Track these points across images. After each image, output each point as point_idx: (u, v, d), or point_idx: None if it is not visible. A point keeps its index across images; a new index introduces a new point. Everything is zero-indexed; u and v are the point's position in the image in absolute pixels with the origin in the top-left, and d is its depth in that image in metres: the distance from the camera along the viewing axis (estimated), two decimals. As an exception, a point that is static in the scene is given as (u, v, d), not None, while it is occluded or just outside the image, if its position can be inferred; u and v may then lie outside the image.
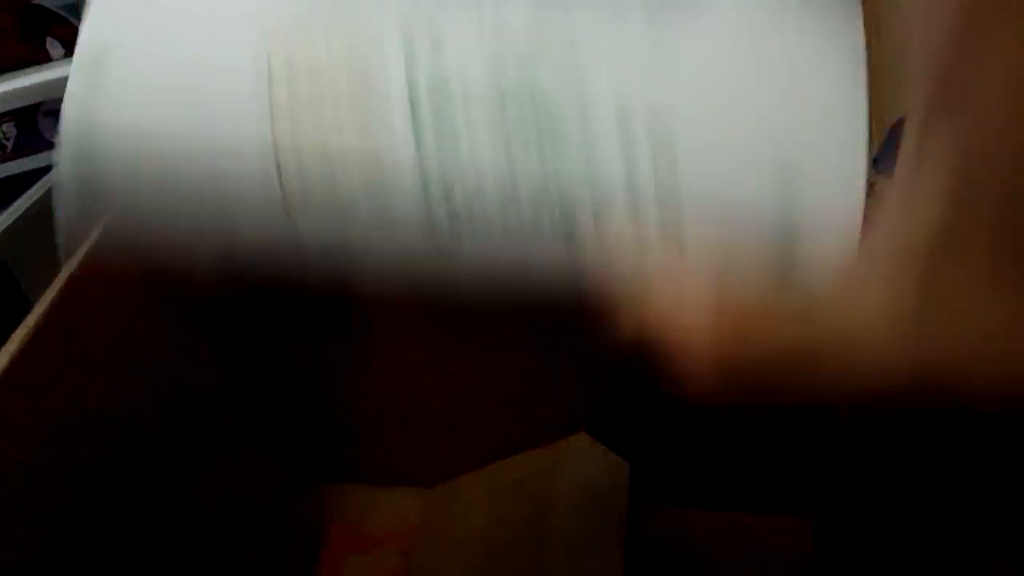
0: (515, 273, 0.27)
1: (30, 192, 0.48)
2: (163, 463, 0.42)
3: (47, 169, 0.51)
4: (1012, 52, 0.18)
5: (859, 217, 0.27)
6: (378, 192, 0.25)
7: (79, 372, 0.36)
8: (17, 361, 0.32)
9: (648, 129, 0.26)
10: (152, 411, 0.41)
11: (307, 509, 0.55)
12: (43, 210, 0.48)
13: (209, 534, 0.45)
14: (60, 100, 0.54)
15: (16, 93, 0.51)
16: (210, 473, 0.46)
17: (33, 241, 0.44)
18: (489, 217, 0.26)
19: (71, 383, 0.35)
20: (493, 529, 0.50)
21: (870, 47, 0.29)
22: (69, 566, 0.35)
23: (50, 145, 0.52)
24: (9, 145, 0.51)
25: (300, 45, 0.21)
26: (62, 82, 0.54)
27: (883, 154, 0.27)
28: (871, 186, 0.28)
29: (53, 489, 0.34)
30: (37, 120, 0.51)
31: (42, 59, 0.52)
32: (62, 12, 0.53)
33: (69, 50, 0.53)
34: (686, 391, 0.22)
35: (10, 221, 0.46)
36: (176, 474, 0.43)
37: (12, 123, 0.51)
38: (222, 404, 0.48)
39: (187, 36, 0.20)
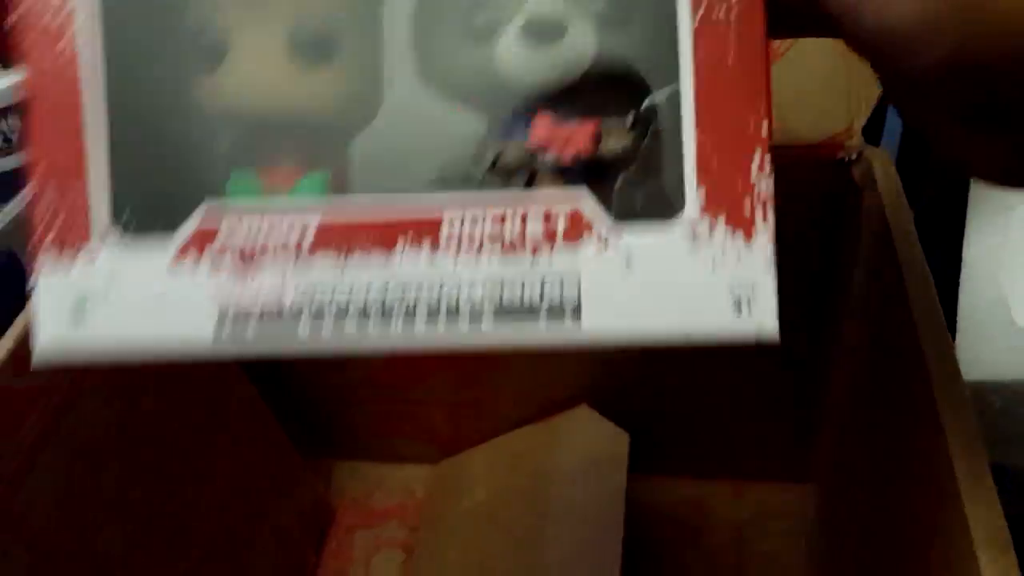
0: None
1: (36, 181, 0.49)
2: (172, 441, 0.43)
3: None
4: None
5: None
6: None
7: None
8: (23, 343, 0.33)
9: None
10: (160, 390, 0.42)
11: (315, 485, 0.56)
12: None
13: (219, 510, 0.46)
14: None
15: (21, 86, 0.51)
16: (220, 450, 0.47)
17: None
18: None
19: (77, 365, 0.36)
20: (495, 501, 0.51)
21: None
22: (81, 540, 0.36)
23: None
24: (14, 138, 0.52)
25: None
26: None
27: None
28: None
29: (61, 468, 0.35)
30: (41, 110, 0.52)
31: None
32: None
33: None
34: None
35: (17, 211, 0.46)
36: (185, 452, 0.44)
37: (17, 116, 0.52)
38: (231, 382, 0.49)
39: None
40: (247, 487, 0.49)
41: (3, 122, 0.51)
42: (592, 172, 0.25)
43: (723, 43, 0.22)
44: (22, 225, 0.45)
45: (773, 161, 0.22)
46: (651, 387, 0.50)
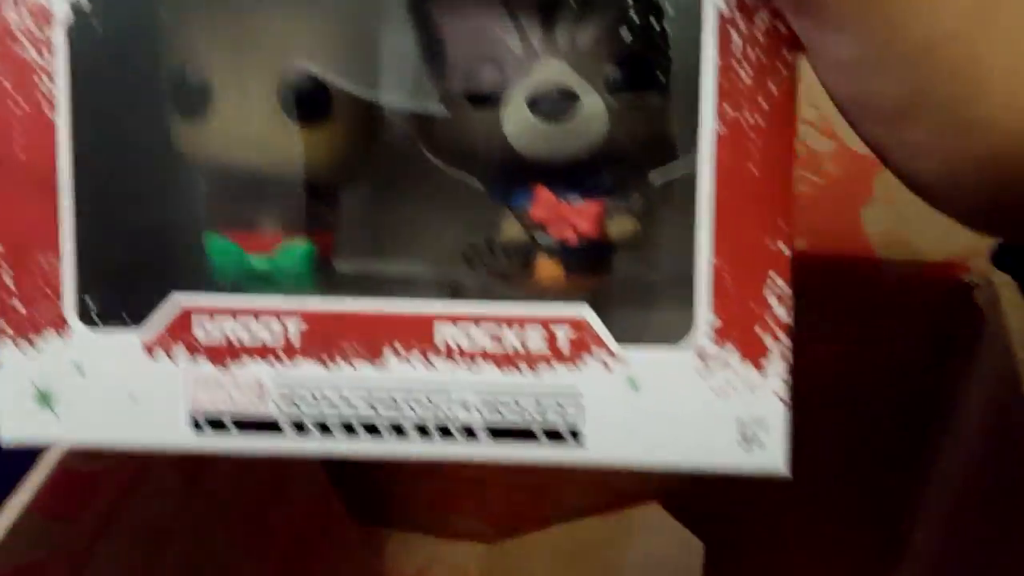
0: None
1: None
2: (233, 516, 0.41)
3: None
4: None
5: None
6: None
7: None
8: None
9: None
10: (222, 464, 0.40)
11: (368, 556, 0.54)
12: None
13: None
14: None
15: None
16: (275, 516, 0.45)
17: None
18: None
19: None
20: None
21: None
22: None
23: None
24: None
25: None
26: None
27: None
28: None
29: (123, 552, 0.34)
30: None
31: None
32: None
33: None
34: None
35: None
36: (246, 525, 0.42)
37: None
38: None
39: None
40: (300, 554, 0.48)
41: None
42: (594, 257, 0.24)
43: (749, 152, 0.20)
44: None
45: (793, 285, 0.20)
46: (728, 492, 0.48)
